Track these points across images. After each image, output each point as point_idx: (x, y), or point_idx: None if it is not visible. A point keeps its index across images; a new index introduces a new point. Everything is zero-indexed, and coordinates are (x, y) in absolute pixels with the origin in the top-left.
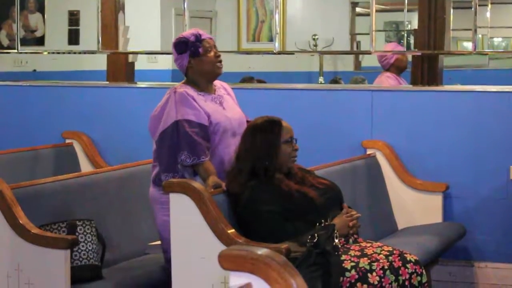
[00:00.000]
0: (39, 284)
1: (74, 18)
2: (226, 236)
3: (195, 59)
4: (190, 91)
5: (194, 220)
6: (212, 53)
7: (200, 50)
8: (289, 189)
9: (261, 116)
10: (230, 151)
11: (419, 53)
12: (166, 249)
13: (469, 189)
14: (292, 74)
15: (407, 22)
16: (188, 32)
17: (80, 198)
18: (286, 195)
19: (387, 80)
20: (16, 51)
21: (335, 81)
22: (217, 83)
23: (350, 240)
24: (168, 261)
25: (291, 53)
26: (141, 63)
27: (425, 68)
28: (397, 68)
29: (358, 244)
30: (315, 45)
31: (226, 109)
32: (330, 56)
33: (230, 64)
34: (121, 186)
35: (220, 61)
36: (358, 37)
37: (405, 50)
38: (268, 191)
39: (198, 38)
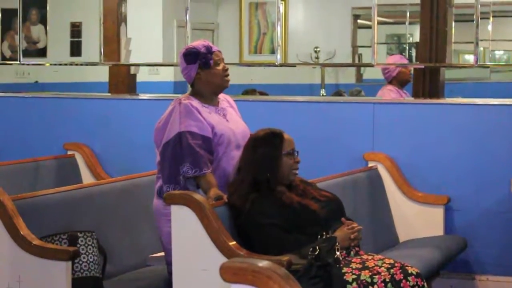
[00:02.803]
0: None
1: (76, 29)
2: (228, 248)
3: (204, 70)
4: (195, 102)
5: (195, 232)
6: (221, 66)
7: (211, 62)
8: (291, 201)
9: (262, 128)
10: (234, 163)
11: (421, 66)
12: (170, 261)
13: (470, 202)
14: (294, 86)
15: (409, 35)
16: (198, 43)
17: (82, 209)
18: (288, 207)
19: (388, 93)
20: (18, 62)
21: (339, 94)
22: (220, 96)
23: (352, 253)
24: (171, 273)
25: (293, 65)
26: (143, 75)
27: (427, 81)
28: (399, 81)
29: (359, 257)
30: (317, 58)
31: (230, 121)
32: (331, 68)
33: (232, 76)
34: (122, 197)
35: (228, 75)
36: (360, 50)
37: (408, 62)
38: (269, 203)
39: (209, 50)
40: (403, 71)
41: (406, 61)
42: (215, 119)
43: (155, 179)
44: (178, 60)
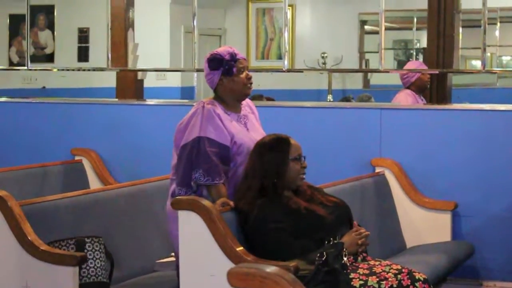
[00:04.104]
0: None
1: (83, 35)
2: (235, 253)
3: (227, 77)
4: (218, 109)
5: (202, 238)
6: (244, 74)
7: (234, 70)
8: (298, 207)
9: (269, 134)
10: None
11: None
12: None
13: (477, 208)
14: (301, 92)
15: (416, 41)
16: (223, 49)
17: (89, 215)
18: (295, 212)
19: (406, 97)
20: (25, 68)
21: (347, 99)
22: (243, 101)
23: (359, 258)
24: None
25: (300, 71)
26: (150, 80)
27: (434, 87)
28: (417, 87)
29: (366, 262)
30: (324, 63)
31: (250, 130)
32: (339, 74)
33: None
34: (129, 203)
35: (251, 83)
36: (367, 55)
37: (426, 68)
38: (276, 208)
39: (234, 57)
40: (421, 77)
41: (425, 67)
42: (236, 128)
43: (168, 182)
44: (203, 65)
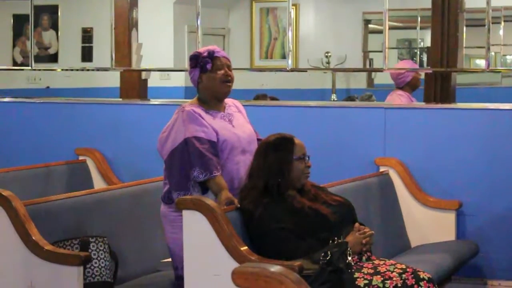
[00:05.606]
0: None
1: (87, 35)
2: (239, 253)
3: (205, 74)
4: (198, 109)
5: (207, 237)
6: (222, 71)
7: (208, 66)
8: (302, 206)
9: (273, 133)
10: (239, 168)
11: (430, 71)
12: (176, 266)
13: (482, 207)
14: (305, 91)
15: (420, 40)
16: (204, 48)
17: (93, 214)
18: (299, 212)
19: (399, 98)
20: (29, 68)
21: (351, 99)
22: (228, 101)
23: (363, 258)
24: (178, 277)
25: (304, 70)
26: (154, 80)
27: (438, 86)
28: (411, 86)
29: (371, 262)
30: (328, 63)
31: (235, 126)
32: (343, 73)
33: (243, 81)
34: (134, 202)
35: (229, 81)
36: (371, 55)
37: (418, 67)
38: (281, 208)
39: (211, 55)
40: (415, 76)
41: (416, 66)
42: (219, 125)
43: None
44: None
